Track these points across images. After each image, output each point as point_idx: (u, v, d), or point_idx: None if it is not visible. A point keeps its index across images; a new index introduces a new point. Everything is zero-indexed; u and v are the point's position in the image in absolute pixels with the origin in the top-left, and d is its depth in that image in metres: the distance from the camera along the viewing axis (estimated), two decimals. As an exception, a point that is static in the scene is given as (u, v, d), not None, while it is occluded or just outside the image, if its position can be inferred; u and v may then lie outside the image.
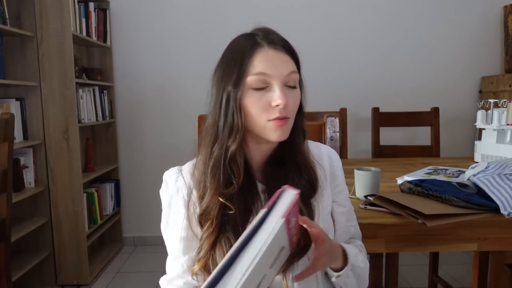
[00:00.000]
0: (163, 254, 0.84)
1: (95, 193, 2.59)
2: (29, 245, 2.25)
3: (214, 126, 0.76)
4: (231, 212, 0.74)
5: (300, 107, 0.79)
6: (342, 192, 0.90)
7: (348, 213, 0.90)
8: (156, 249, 2.83)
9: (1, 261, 1.22)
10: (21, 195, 2.04)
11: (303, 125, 0.81)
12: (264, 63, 0.72)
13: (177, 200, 0.81)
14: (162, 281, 0.84)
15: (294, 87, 0.76)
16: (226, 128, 0.74)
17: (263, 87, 0.73)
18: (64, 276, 2.35)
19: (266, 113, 0.73)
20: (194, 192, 0.79)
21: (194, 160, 0.83)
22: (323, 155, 0.88)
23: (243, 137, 0.75)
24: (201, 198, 0.77)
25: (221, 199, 0.74)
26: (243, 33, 0.79)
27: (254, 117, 0.73)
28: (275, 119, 0.73)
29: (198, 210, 0.77)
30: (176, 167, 0.84)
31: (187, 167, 0.83)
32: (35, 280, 2.30)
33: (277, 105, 0.72)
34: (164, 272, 0.85)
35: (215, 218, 0.74)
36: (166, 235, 0.84)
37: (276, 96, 0.72)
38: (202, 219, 0.76)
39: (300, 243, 0.73)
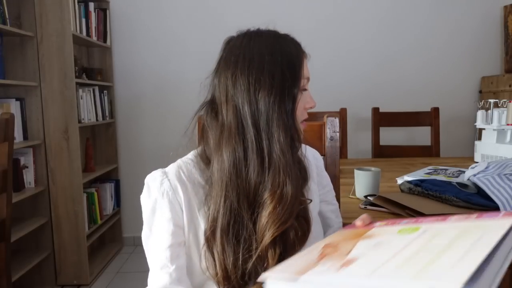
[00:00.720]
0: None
1: (95, 193, 2.59)
2: (29, 245, 2.25)
3: (289, 128, 0.71)
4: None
5: None
6: (330, 191, 0.95)
7: (336, 210, 0.96)
8: (156, 249, 2.83)
9: (1, 261, 1.22)
10: (21, 195, 2.04)
11: None
12: (307, 68, 0.77)
13: (162, 204, 0.75)
14: None
15: None
16: (296, 128, 0.74)
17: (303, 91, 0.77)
18: (64, 276, 2.35)
19: (301, 114, 0.77)
20: (192, 198, 0.75)
21: (179, 162, 0.79)
22: (308, 155, 0.88)
23: None
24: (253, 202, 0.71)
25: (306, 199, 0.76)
26: (272, 34, 0.76)
27: (298, 118, 0.76)
28: (304, 120, 0.79)
29: (202, 223, 0.74)
30: (159, 170, 0.78)
31: (173, 170, 0.78)
32: (35, 280, 2.30)
33: (311, 107, 0.78)
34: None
35: None
36: (150, 244, 0.77)
37: (311, 99, 0.79)
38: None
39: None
